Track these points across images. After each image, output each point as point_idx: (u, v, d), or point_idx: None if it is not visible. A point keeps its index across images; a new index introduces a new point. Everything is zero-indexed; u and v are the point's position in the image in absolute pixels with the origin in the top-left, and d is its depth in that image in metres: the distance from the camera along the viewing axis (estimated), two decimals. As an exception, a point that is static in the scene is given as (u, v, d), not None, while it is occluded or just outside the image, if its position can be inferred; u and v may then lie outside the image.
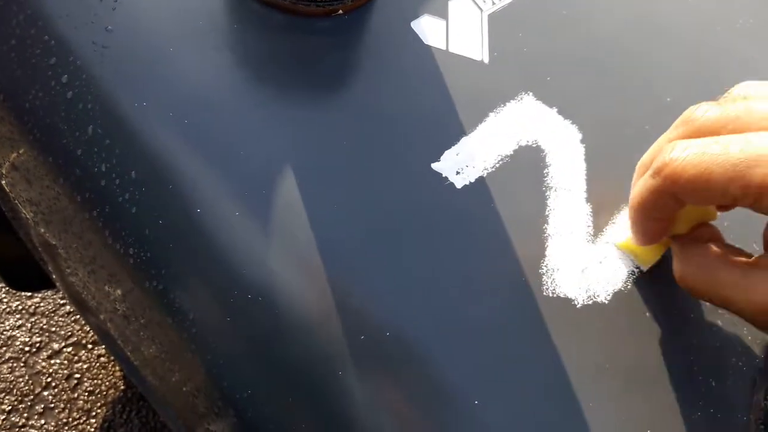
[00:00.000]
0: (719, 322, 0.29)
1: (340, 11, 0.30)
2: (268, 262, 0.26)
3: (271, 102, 0.28)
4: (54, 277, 0.59)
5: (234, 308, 0.26)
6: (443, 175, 0.28)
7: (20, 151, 0.33)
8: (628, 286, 0.28)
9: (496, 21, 0.33)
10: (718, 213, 0.28)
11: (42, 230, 0.42)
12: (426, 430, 0.25)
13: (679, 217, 0.27)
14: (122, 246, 0.28)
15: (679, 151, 0.23)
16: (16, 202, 0.46)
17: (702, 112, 0.24)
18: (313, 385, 0.26)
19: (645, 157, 0.27)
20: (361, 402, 0.25)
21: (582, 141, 0.30)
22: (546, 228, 0.28)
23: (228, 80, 0.28)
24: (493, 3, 0.33)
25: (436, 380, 0.25)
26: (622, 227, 0.29)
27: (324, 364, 0.26)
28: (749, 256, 0.25)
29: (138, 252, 0.28)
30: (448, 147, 0.29)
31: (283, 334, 0.26)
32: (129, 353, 0.52)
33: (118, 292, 0.34)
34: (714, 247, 0.26)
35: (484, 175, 0.29)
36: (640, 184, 0.25)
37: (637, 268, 0.29)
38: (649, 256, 0.29)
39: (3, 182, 0.44)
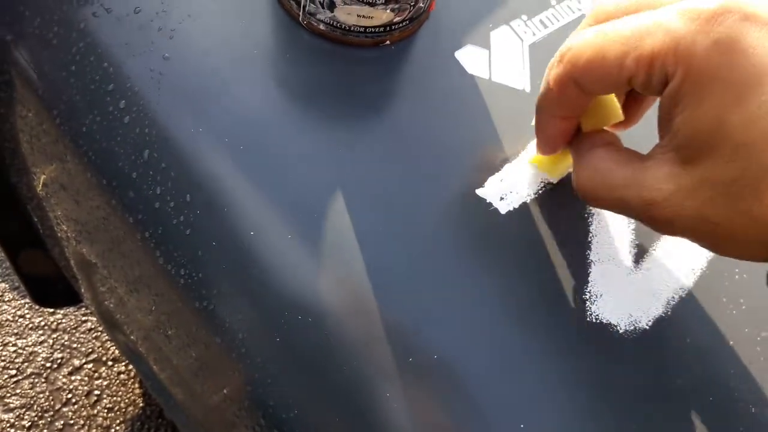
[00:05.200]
0: (758, 349, 0.29)
1: (388, 41, 0.31)
2: (318, 284, 0.27)
3: (321, 128, 0.29)
4: (85, 294, 0.60)
5: (284, 329, 0.27)
6: (487, 201, 0.29)
7: (71, 173, 0.34)
8: (669, 312, 0.29)
9: (537, 51, 0.34)
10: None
11: (83, 249, 0.43)
12: (474, 453, 0.26)
13: (583, 123, 0.26)
14: (174, 267, 0.29)
15: (579, 35, 0.23)
16: (56, 222, 0.47)
17: (606, 3, 0.24)
18: (361, 407, 0.26)
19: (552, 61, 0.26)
20: (409, 424, 0.26)
21: (622, 169, 0.31)
22: (588, 254, 0.29)
23: (280, 107, 0.29)
24: (534, 33, 0.34)
25: (483, 403, 0.26)
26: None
27: (372, 386, 0.26)
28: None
29: (190, 273, 0.29)
30: (492, 173, 0.30)
31: (332, 355, 0.26)
32: (159, 372, 0.53)
33: (163, 311, 0.34)
34: (610, 150, 0.25)
35: (527, 201, 0.29)
36: (546, 80, 0.25)
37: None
38: (558, 167, 0.29)
39: (44, 201, 0.45)
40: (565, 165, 0.29)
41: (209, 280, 0.28)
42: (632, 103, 0.28)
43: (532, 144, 0.30)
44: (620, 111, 0.26)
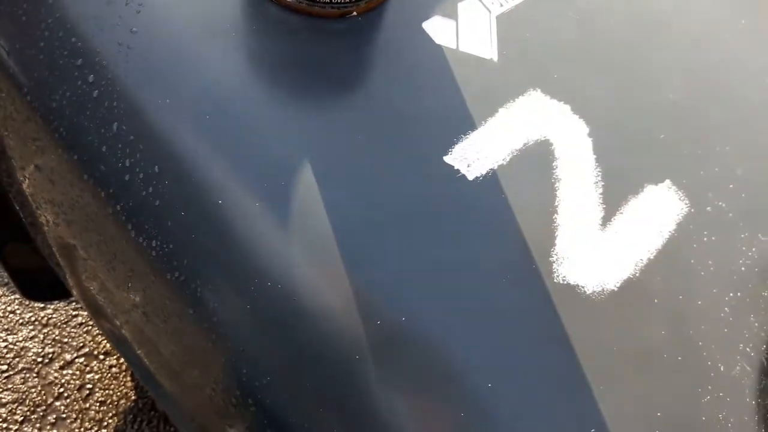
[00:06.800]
0: (727, 309, 0.30)
1: (354, 13, 0.31)
2: (286, 251, 0.27)
3: (288, 99, 0.29)
4: (70, 282, 0.60)
5: (253, 296, 0.27)
6: (455, 168, 0.29)
7: (45, 152, 0.34)
8: (637, 274, 0.29)
9: (504, 22, 0.34)
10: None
11: (62, 232, 0.43)
12: (440, 409, 0.26)
13: None
14: (145, 239, 0.29)
15: None
16: (36, 206, 0.47)
17: None
18: (330, 369, 0.26)
19: None
20: (378, 383, 0.26)
21: (589, 134, 0.31)
22: (555, 218, 0.29)
23: (247, 79, 0.30)
24: (501, 5, 0.34)
25: (450, 362, 0.26)
26: None
27: (341, 348, 0.26)
28: None
29: (160, 244, 0.29)
30: (460, 141, 0.30)
31: (302, 320, 0.27)
32: (144, 357, 0.53)
33: (138, 287, 0.34)
34: None
35: (495, 168, 0.30)
36: None
37: None
38: None
39: (25, 187, 0.46)
40: None
41: (179, 250, 0.29)
42: None
43: (502, 111, 0.30)
44: None
